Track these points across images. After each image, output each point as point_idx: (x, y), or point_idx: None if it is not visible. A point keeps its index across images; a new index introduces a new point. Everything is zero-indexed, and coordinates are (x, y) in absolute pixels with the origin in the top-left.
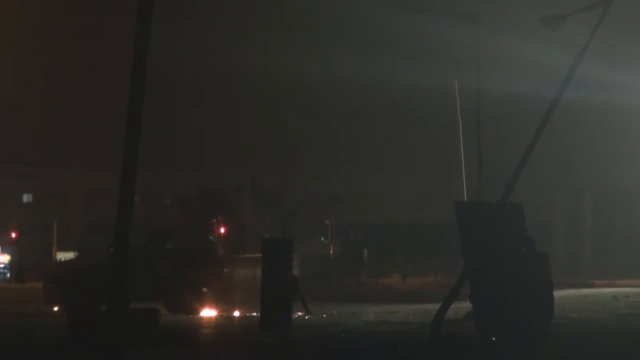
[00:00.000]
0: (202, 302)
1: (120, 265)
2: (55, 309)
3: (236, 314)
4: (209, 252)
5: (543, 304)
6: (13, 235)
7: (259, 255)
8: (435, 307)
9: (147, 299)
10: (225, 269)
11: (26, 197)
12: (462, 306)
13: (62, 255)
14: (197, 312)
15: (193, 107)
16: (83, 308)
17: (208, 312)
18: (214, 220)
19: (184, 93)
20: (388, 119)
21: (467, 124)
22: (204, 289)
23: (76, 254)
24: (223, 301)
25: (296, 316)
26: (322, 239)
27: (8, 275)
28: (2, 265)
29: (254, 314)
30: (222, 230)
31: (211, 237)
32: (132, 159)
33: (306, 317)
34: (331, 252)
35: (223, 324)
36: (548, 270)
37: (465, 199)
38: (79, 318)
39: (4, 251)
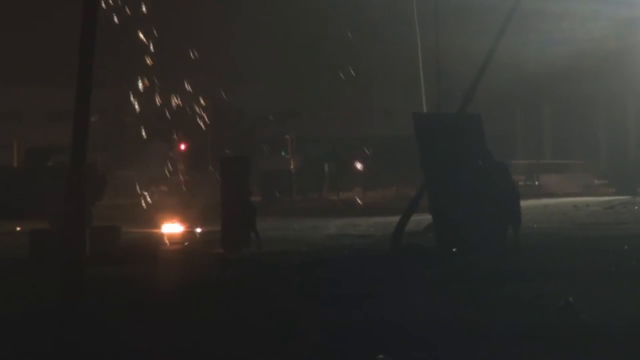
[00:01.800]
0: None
1: (77, 184)
2: (18, 228)
3: (198, 230)
4: (89, 168)
5: (507, 213)
6: None
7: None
8: (396, 219)
9: (30, 218)
10: (105, 186)
11: None
12: (423, 218)
13: None
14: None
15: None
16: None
17: (170, 229)
18: (174, 137)
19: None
20: (346, 32)
21: (426, 35)
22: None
23: None
24: (186, 218)
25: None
26: (283, 153)
27: None
28: None
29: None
30: (182, 147)
31: (171, 154)
32: (88, 76)
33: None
34: (292, 166)
35: (185, 241)
36: (509, 180)
37: (425, 111)
38: (39, 236)
39: None
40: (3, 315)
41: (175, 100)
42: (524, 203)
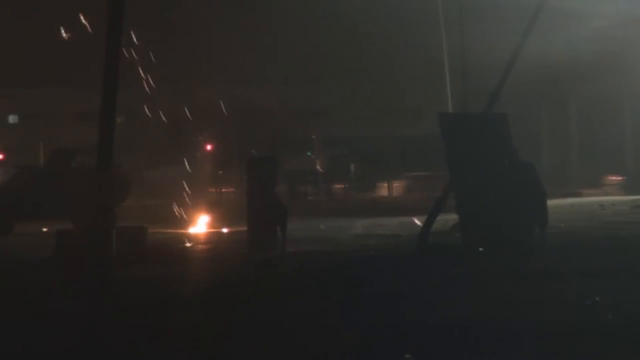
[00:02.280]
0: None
1: (104, 184)
2: (44, 229)
3: (224, 230)
4: (114, 169)
5: (534, 212)
6: (0, 156)
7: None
8: (422, 219)
9: (55, 218)
10: (130, 187)
11: (12, 118)
12: (449, 218)
13: None
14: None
15: (177, 21)
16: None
17: (197, 229)
18: (200, 137)
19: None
20: (372, 32)
21: (452, 34)
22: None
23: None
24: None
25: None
26: (309, 154)
27: None
28: None
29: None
30: (209, 147)
31: (198, 154)
32: (113, 77)
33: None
34: (318, 167)
35: (211, 241)
36: (536, 179)
37: (451, 111)
38: (65, 236)
39: None
40: (30, 315)
41: (201, 100)
42: (550, 202)
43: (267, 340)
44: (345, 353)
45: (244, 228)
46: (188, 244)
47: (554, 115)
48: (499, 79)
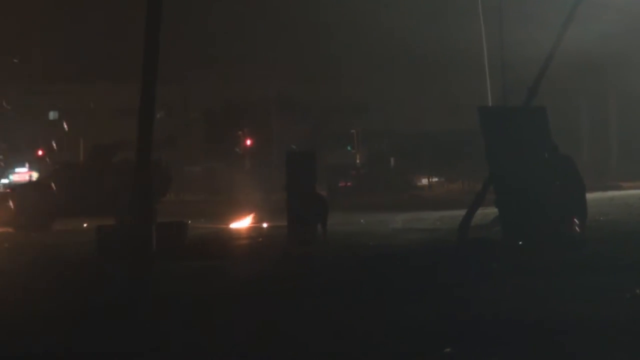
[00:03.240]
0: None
1: (144, 180)
2: (85, 225)
3: (264, 225)
4: (155, 164)
5: (573, 206)
6: (40, 152)
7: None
8: (462, 213)
9: (97, 214)
10: (170, 182)
11: (52, 115)
12: (489, 211)
13: None
14: None
15: (214, 16)
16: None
17: (236, 224)
18: (240, 132)
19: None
20: (411, 29)
21: (491, 27)
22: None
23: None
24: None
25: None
26: (349, 148)
27: None
28: None
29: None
30: (248, 142)
31: (237, 150)
32: (152, 73)
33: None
34: (358, 161)
35: (251, 236)
36: (575, 172)
37: (490, 105)
38: (105, 232)
39: (31, 168)
40: (72, 311)
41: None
42: (589, 196)
43: (300, 335)
44: (381, 347)
45: (284, 223)
46: (227, 239)
47: (593, 109)
48: (537, 73)
